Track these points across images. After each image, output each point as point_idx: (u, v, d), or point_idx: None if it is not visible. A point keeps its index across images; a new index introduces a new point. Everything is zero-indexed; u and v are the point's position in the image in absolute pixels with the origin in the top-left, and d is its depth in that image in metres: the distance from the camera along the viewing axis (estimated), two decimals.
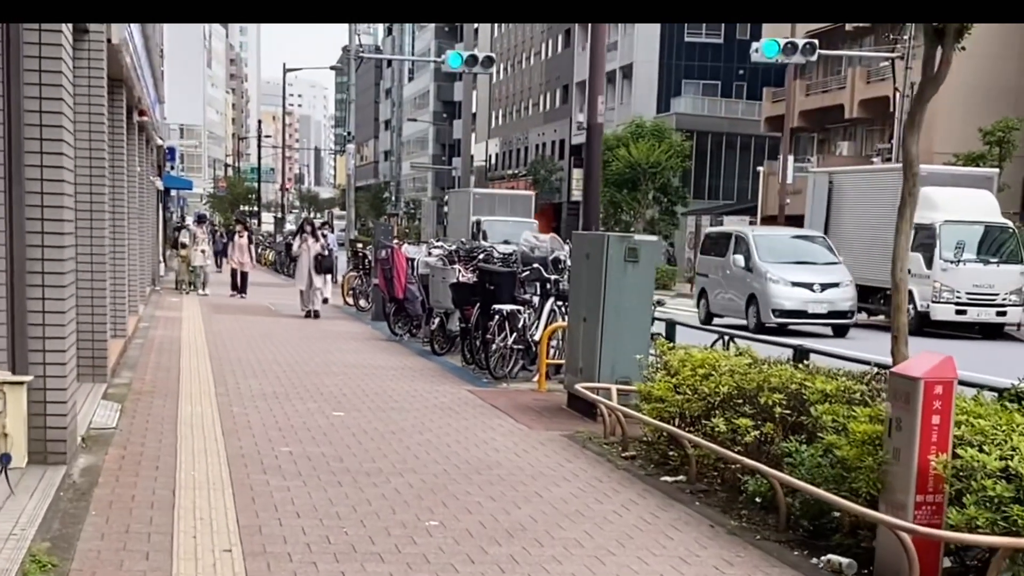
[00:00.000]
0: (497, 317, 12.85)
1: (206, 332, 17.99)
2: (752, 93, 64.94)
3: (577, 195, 75.30)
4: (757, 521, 7.04)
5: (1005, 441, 5.61)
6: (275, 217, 64.43)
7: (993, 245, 23.01)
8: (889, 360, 8.37)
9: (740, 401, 7.53)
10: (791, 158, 44.47)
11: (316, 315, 21.86)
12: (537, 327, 13.29)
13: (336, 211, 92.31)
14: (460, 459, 8.78)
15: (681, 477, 8.15)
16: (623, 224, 49.85)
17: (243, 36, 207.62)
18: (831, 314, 22.53)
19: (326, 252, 22.40)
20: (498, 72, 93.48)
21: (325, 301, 23.00)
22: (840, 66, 49.04)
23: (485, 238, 32.46)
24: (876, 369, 7.82)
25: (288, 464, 8.32)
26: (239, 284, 27.59)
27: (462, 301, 14.30)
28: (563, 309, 13.68)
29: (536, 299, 13.68)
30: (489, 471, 8.37)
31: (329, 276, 23.11)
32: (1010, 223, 23.40)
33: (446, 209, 53.82)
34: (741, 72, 66.35)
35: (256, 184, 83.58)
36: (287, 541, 6.32)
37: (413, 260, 18.52)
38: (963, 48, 7.77)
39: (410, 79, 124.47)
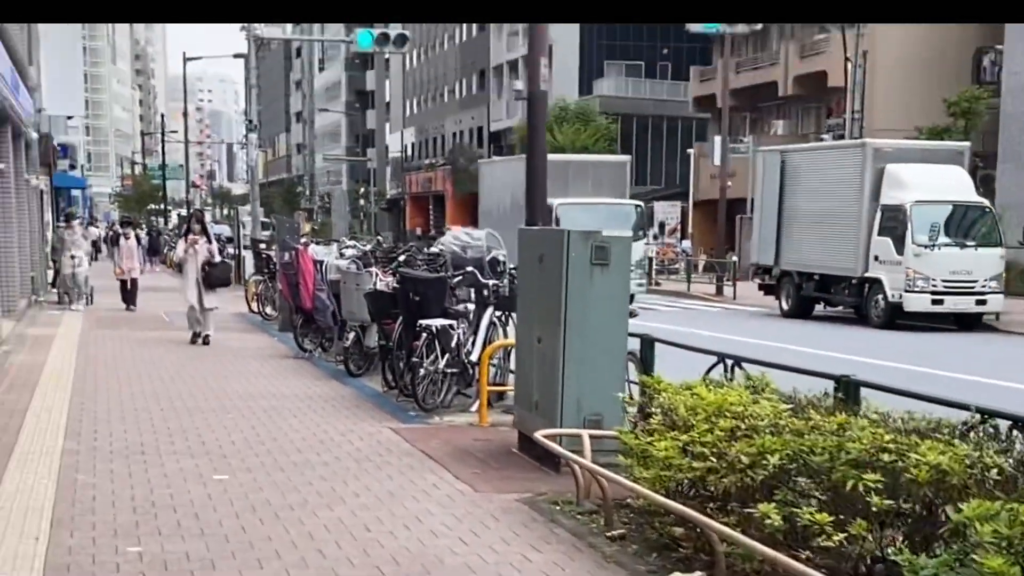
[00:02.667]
0: (425, 335, 10.30)
1: (78, 356, 15.20)
2: (677, 73, 62.95)
3: None
4: None
5: None
6: (179, 215, 61.07)
7: (969, 226, 20.93)
8: (978, 400, 6.01)
9: (800, 479, 5.07)
10: (719, 139, 42.47)
11: (206, 341, 16.92)
12: (474, 344, 10.78)
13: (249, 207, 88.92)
14: (384, 555, 6.24)
15: (699, 575, 5.70)
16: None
17: (148, 31, 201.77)
18: None
19: (217, 259, 17.14)
20: (411, 59, 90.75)
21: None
22: (770, 42, 47.15)
23: None
24: (979, 416, 5.44)
25: None
26: (128, 295, 24.06)
27: (381, 313, 11.74)
28: (504, 320, 11.22)
29: (470, 308, 11.17)
30: None
31: (223, 290, 17.97)
32: (986, 202, 21.36)
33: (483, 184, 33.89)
34: (665, 52, 64.36)
35: (162, 181, 79.90)
36: None
37: (322, 263, 15.91)
38: None
39: (320, 69, 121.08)
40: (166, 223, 63.76)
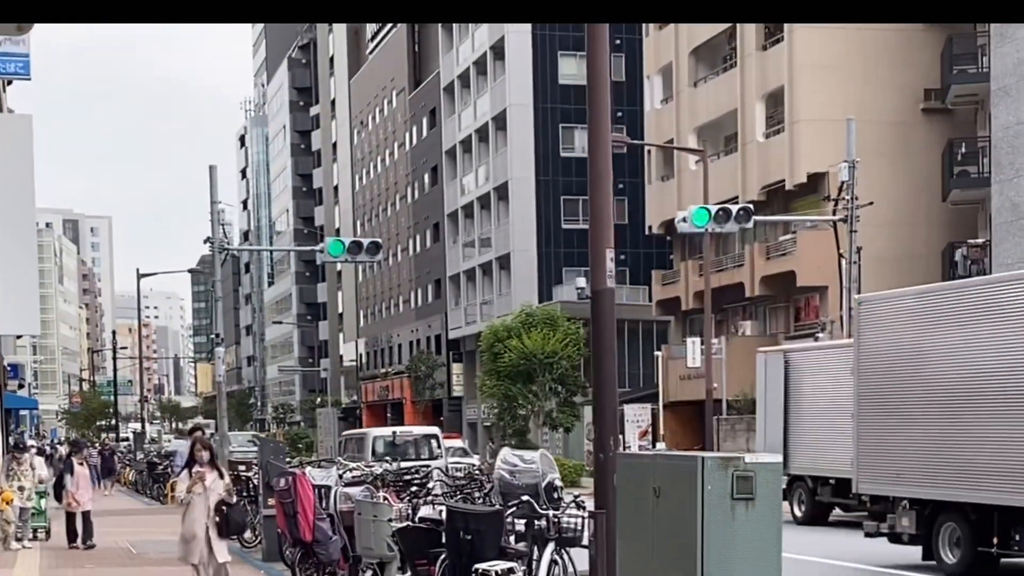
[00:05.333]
0: None
1: None
2: (635, 278, 62.89)
3: (458, 391, 71.49)
4: None
5: None
6: (134, 433, 58.68)
7: None
8: None
9: None
10: (697, 340, 41.96)
11: None
12: None
13: (200, 420, 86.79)
14: None
15: None
16: (520, 418, 46.07)
17: (95, 252, 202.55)
18: None
19: (234, 498, 13.06)
20: (363, 271, 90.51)
21: None
22: (733, 244, 47.00)
23: None
24: None
25: None
26: (80, 530, 20.86)
27: (416, 552, 10.15)
28: (563, 556, 9.67)
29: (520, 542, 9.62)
30: None
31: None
32: None
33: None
34: (622, 257, 64.39)
35: (113, 397, 77.88)
36: None
37: (323, 489, 14.31)
38: None
39: (270, 283, 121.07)
40: (117, 439, 61.41)
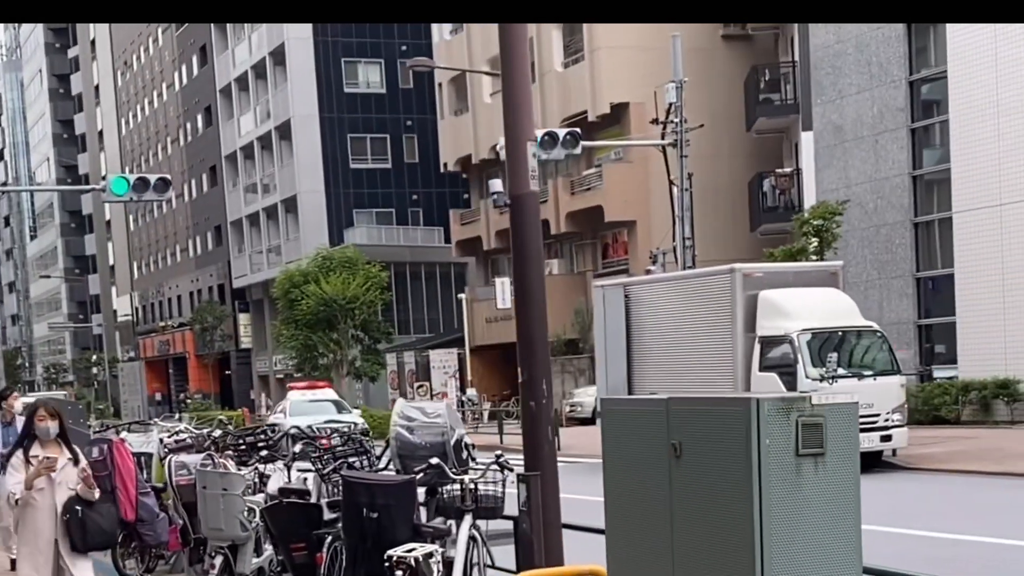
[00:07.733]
0: (400, 573, 6.79)
1: None
2: (430, 219, 61.07)
3: (246, 343, 68.23)
4: None
5: None
6: None
7: (863, 354, 18.90)
8: None
9: None
10: (507, 280, 40.59)
11: None
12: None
13: None
14: None
15: None
16: (322, 368, 43.84)
17: None
18: None
19: (96, 494, 8.32)
20: (135, 220, 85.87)
21: None
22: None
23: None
24: None
25: None
26: None
27: (291, 535, 8.18)
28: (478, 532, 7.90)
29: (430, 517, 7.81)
30: None
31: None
32: (876, 325, 19.42)
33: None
34: (415, 197, 62.34)
35: None
36: None
37: (144, 457, 12.13)
38: None
39: (32, 237, 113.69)
40: None
